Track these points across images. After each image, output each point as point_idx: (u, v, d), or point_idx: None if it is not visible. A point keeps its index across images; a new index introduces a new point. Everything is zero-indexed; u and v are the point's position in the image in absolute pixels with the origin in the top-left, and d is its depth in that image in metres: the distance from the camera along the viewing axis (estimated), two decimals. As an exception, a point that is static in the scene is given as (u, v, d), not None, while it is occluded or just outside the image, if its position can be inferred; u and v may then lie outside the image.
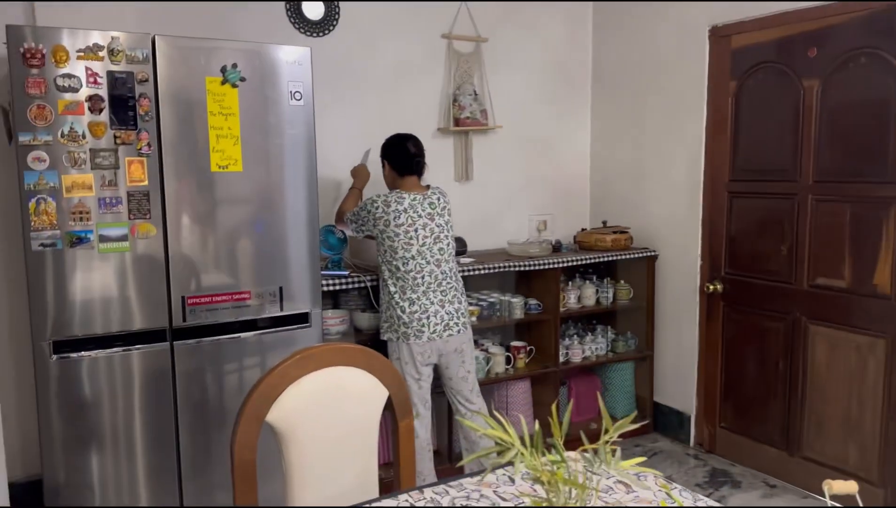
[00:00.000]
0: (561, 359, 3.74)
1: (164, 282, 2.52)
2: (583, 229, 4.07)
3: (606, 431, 0.95)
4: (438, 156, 3.80)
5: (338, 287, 3.04)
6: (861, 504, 1.17)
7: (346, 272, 3.09)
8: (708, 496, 3.22)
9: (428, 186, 2.97)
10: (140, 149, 2.42)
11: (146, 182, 2.44)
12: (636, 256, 3.88)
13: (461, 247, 3.55)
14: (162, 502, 2.58)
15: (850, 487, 1.19)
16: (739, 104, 3.41)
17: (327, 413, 1.63)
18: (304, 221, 2.74)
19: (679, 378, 3.83)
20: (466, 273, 3.36)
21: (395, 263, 2.85)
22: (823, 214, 3.08)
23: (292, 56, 2.66)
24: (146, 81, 2.41)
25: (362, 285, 3.07)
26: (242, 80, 2.56)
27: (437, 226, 2.89)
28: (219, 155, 2.55)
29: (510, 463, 0.94)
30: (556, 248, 3.88)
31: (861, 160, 2.92)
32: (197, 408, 2.61)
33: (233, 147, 2.58)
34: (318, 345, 1.69)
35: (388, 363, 1.72)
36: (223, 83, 2.53)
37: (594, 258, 3.79)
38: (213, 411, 2.63)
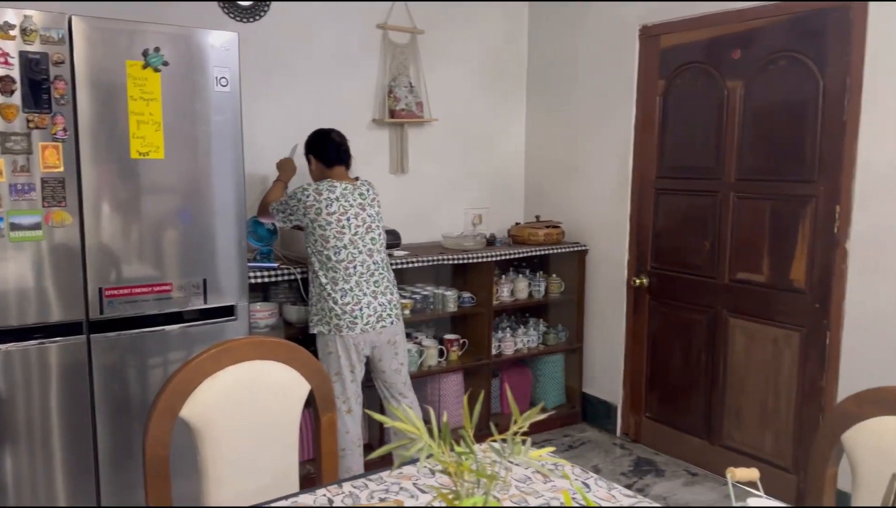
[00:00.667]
0: (494, 352, 3.77)
1: (81, 272, 2.42)
2: (517, 224, 4.11)
3: (515, 422, 0.96)
4: (373, 148, 3.77)
5: (267, 279, 2.99)
6: (761, 491, 1.22)
7: (275, 264, 3.04)
8: (632, 484, 3.31)
9: (357, 178, 2.95)
10: (55, 134, 2.32)
11: (62, 168, 2.34)
12: (567, 250, 3.94)
13: (395, 240, 3.54)
14: (79, 501, 2.48)
15: (751, 474, 1.24)
16: (667, 103, 3.49)
17: (245, 408, 1.60)
18: (231, 211, 2.68)
19: (607, 370, 3.91)
20: (401, 266, 3.36)
21: (326, 253, 2.81)
22: (744, 211, 3.19)
23: (219, 41, 2.59)
24: (62, 62, 2.30)
25: (292, 277, 3.03)
26: (165, 64, 2.47)
27: (369, 216, 2.87)
28: (139, 141, 2.47)
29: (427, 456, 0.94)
30: (491, 242, 3.91)
31: (780, 160, 3.04)
32: (116, 403, 2.52)
33: (154, 133, 2.49)
34: (237, 339, 1.66)
35: (311, 357, 1.70)
36: (144, 67, 2.45)
37: (527, 253, 3.83)
38: (134, 406, 2.55)
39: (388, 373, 2.99)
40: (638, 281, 3.66)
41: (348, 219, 2.81)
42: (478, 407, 1.01)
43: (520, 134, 4.35)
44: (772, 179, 3.08)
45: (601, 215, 3.88)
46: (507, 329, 3.92)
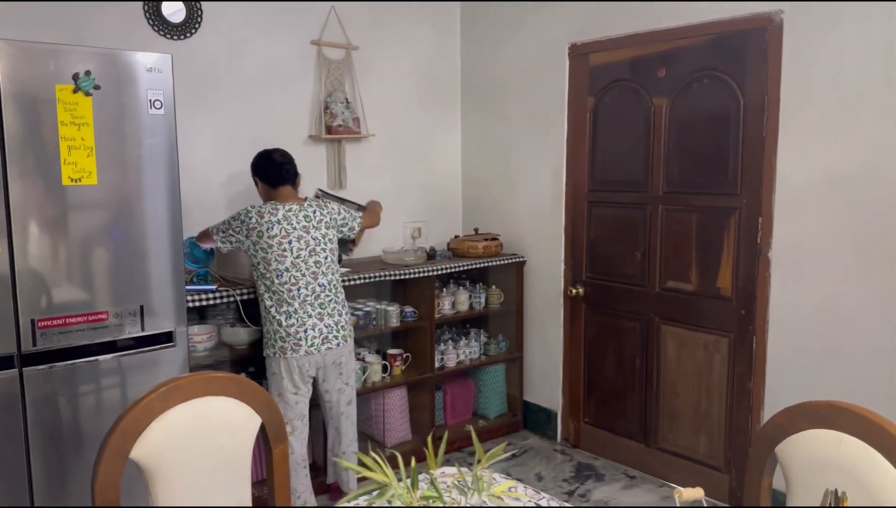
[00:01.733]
0: (437, 364, 3.81)
1: (11, 303, 2.33)
2: (456, 236, 4.16)
3: (479, 461, 0.99)
4: (311, 164, 3.75)
5: (204, 303, 2.93)
6: (706, 506, 1.29)
7: (213, 286, 3.00)
8: (574, 490, 3.40)
9: (305, 198, 2.94)
10: (-21, 161, 2.22)
11: (-13, 196, 2.25)
12: (506, 261, 4.02)
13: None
14: (12, 539, 2.38)
15: (696, 493, 1.31)
16: (597, 119, 3.61)
17: (196, 446, 1.58)
18: (166, 234, 2.62)
19: (546, 378, 4.00)
20: (343, 284, 3.34)
21: (269, 275, 2.79)
22: (672, 222, 3.33)
23: (151, 62, 2.53)
24: (-15, 87, 2.21)
25: (231, 298, 2.98)
26: (97, 88, 2.40)
27: (313, 239, 2.86)
28: (71, 168, 2.39)
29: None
30: (431, 255, 3.94)
31: (705, 174, 3.19)
32: (51, 436, 2.43)
33: (86, 159, 2.42)
34: (186, 375, 1.64)
35: (261, 389, 1.69)
36: (75, 91, 2.37)
37: (467, 265, 3.89)
38: (69, 438, 2.47)
39: (332, 392, 2.99)
40: (574, 291, 3.76)
41: (290, 242, 2.79)
42: (442, 447, 1.04)
43: (456, 148, 4.40)
44: (697, 193, 3.22)
45: (538, 227, 3.97)
46: (450, 341, 3.96)
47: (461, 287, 4.01)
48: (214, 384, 1.62)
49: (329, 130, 3.72)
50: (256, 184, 3.01)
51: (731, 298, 3.13)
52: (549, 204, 3.88)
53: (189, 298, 2.85)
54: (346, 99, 3.79)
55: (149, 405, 1.52)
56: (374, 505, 0.93)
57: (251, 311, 3.25)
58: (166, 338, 2.66)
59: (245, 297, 3.04)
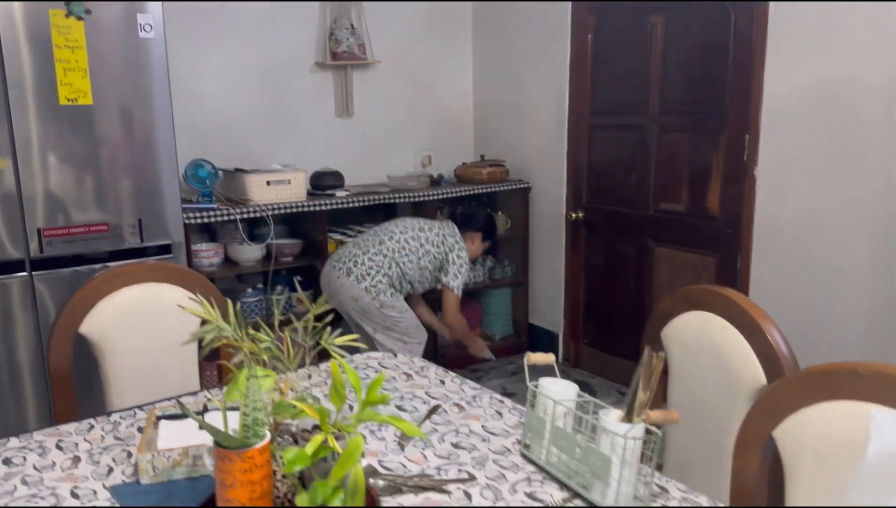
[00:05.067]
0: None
1: (19, 213, 2.57)
2: (463, 163, 4.23)
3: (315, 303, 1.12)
4: (318, 91, 3.87)
5: (206, 220, 3.13)
6: (557, 374, 1.39)
7: (214, 205, 3.18)
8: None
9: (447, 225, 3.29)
10: (-18, 82, 2.44)
11: (-9, 115, 2.47)
12: (512, 188, 4.07)
13: (338, 181, 3.67)
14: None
15: (547, 358, 1.41)
16: (598, 40, 3.57)
17: (143, 325, 1.77)
18: (162, 153, 2.81)
19: (549, 301, 4.09)
20: (343, 206, 3.49)
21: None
22: (666, 143, 3.31)
23: (141, -12, 2.68)
24: (-16, 13, 2.41)
25: (231, 217, 3.17)
26: (88, 12, 2.57)
27: (423, 243, 3.16)
28: (67, 88, 2.58)
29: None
30: (437, 181, 4.03)
31: (697, 92, 3.14)
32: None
33: (81, 80, 2.61)
34: (133, 262, 1.81)
35: (207, 281, 1.86)
36: (67, 16, 2.55)
37: (470, 191, 3.96)
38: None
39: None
40: (574, 215, 3.80)
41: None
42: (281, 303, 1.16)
43: (467, 75, 4.43)
44: (689, 112, 3.18)
45: (542, 152, 4.00)
46: (455, 265, 4.08)
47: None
48: (160, 272, 1.79)
49: (334, 56, 3.81)
50: (474, 242, 3.34)
51: (719, 217, 3.11)
52: (553, 130, 3.89)
53: (191, 215, 3.05)
54: (352, 24, 3.86)
55: (96, 285, 1.71)
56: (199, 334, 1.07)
57: (255, 230, 3.44)
58: (165, 250, 2.88)
59: (246, 216, 3.22)
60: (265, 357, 1.11)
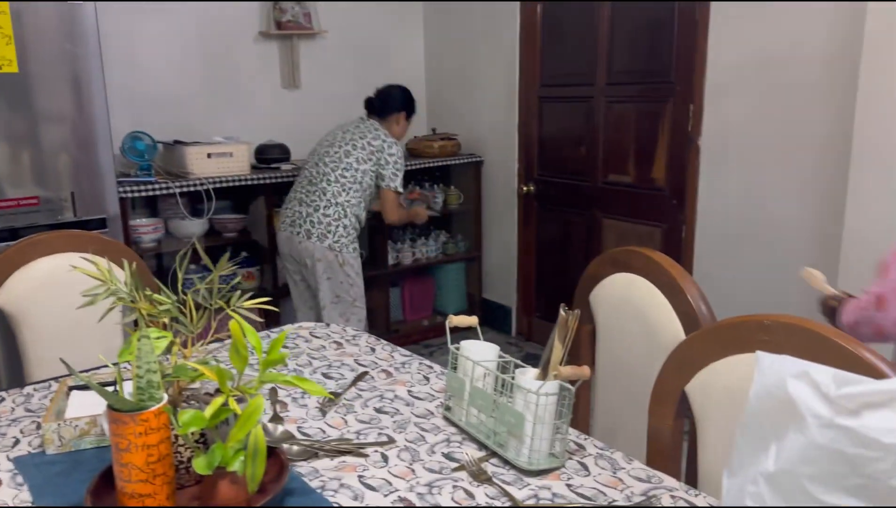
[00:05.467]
0: (391, 261, 3.91)
1: (-58, 188, 2.47)
2: (415, 137, 4.18)
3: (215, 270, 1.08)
4: (263, 62, 3.78)
5: (143, 193, 3.05)
6: (480, 337, 1.38)
7: (152, 179, 3.10)
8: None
9: (372, 122, 3.12)
10: None
11: None
12: (464, 161, 4.04)
13: (283, 154, 3.60)
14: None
15: (471, 321, 1.40)
16: (546, 10, 3.54)
17: (60, 297, 1.70)
18: (94, 125, 2.72)
19: (502, 276, 4.08)
20: (288, 179, 3.42)
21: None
22: (614, 115, 3.30)
23: (68, -49, 2.58)
24: None
25: (170, 190, 3.09)
26: (10, -25, 2.46)
27: (346, 152, 3.01)
28: (-11, 55, 2.48)
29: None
30: (387, 155, 3.98)
31: (643, 62, 3.14)
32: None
33: (6, 46, 2.50)
34: (48, 232, 1.75)
35: (127, 249, 1.80)
36: (-12, -21, 2.44)
37: (422, 165, 3.92)
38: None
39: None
40: (526, 189, 3.79)
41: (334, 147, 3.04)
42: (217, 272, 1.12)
43: (419, 46, 4.37)
44: (636, 83, 3.18)
45: (494, 126, 3.97)
46: (408, 240, 4.05)
47: (418, 187, 4.06)
48: (77, 241, 1.73)
49: (279, 25, 3.72)
50: (398, 122, 3.17)
51: (665, 188, 3.13)
52: (504, 102, 3.86)
53: (127, 189, 2.96)
54: (297, -6, 3.77)
55: (9, 256, 1.64)
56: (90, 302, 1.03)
57: (198, 205, 3.37)
58: (100, 224, 2.79)
59: (186, 189, 3.14)
60: (165, 320, 1.07)
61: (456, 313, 1.41)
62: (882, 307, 1.31)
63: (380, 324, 3.91)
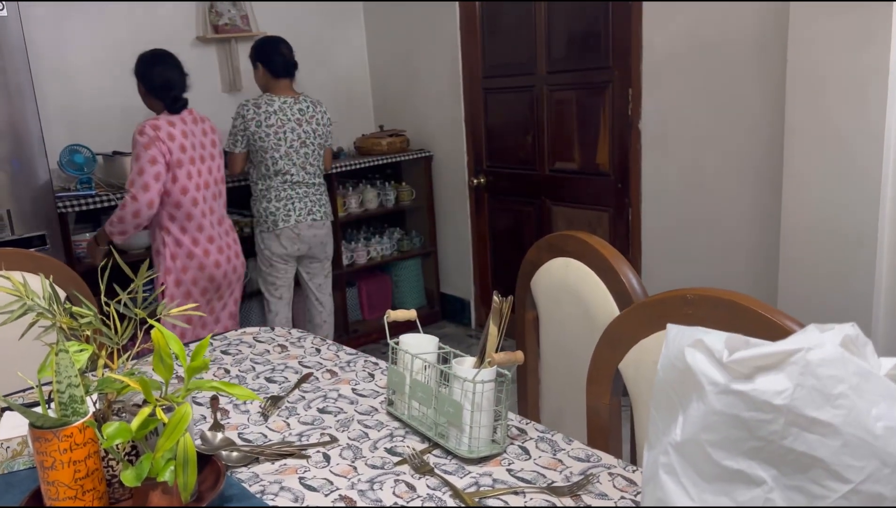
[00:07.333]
0: (346, 261, 3.89)
1: None
2: (363, 135, 4.16)
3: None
4: (202, 66, 3.71)
5: (84, 208, 2.97)
6: (420, 330, 1.38)
7: (93, 192, 3.03)
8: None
9: (300, 93, 3.10)
10: None
11: None
12: (413, 157, 4.03)
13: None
14: None
15: (409, 315, 1.40)
16: (485, 1, 3.55)
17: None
18: (26, 138, 2.64)
19: (459, 269, 4.09)
20: (234, 185, 3.37)
21: (265, 163, 3.01)
22: (556, 102, 3.33)
23: (-14, -38, 2.50)
24: None
25: (112, 203, 3.02)
26: (-76, -11, 2.38)
27: (304, 132, 3.04)
28: None
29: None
30: (336, 155, 3.95)
31: (582, 49, 3.16)
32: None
33: (-75, 64, 2.42)
34: (-25, 252, 1.69)
35: (62, 264, 1.76)
36: None
37: (371, 162, 3.90)
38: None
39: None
40: (476, 181, 3.80)
41: (285, 133, 2.98)
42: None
43: (361, 44, 4.34)
44: (576, 70, 3.21)
45: (440, 120, 3.97)
46: (361, 239, 4.03)
47: (369, 185, 4.04)
48: (9, 259, 1.68)
49: (216, 28, 3.67)
50: (256, 68, 3.10)
51: (609, 173, 3.16)
52: (450, 95, 3.86)
53: (67, 203, 2.89)
54: (233, -3, 3.72)
55: (-67, 279, 1.58)
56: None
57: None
58: (40, 241, 2.72)
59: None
60: (87, 333, 1.05)
61: (417, 309, 1.41)
62: None
63: (338, 325, 3.88)
